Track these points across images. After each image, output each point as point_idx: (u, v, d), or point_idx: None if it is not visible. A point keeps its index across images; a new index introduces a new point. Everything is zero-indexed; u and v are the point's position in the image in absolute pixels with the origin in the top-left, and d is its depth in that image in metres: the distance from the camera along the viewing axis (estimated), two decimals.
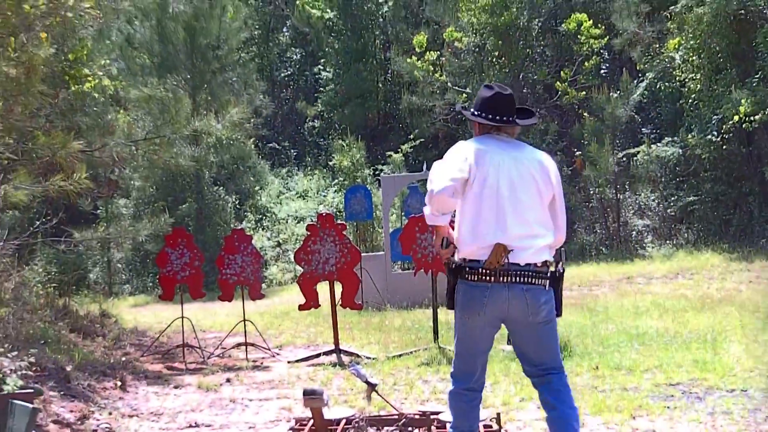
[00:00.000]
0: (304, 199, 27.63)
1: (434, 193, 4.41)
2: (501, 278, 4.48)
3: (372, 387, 6.36)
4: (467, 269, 4.55)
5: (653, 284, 15.71)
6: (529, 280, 4.49)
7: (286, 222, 25.96)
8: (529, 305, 4.49)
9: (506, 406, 6.96)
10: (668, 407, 6.71)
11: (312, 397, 5.75)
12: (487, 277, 4.50)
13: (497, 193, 4.51)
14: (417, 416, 6.29)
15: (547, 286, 4.56)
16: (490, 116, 4.66)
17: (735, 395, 7.06)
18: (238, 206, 25.22)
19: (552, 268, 4.61)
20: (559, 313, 4.68)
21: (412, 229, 9.95)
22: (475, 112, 4.72)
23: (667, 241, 21.25)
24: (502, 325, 4.70)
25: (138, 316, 15.12)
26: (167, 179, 22.96)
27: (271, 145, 30.66)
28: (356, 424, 6.05)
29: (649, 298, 13.48)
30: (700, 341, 9.37)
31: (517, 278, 4.48)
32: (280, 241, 24.65)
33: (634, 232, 22.14)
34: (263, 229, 25.23)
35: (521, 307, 4.49)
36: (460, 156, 4.54)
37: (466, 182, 4.51)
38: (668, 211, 22.07)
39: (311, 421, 6.02)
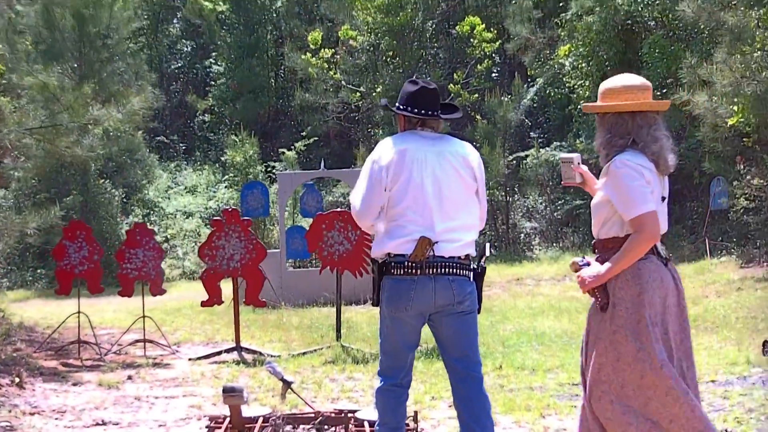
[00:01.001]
0: (193, 194, 27.16)
1: (358, 218, 4.71)
2: (427, 270, 4.52)
3: (287, 385, 6.30)
4: (393, 264, 4.58)
5: (543, 286, 16.07)
6: (455, 271, 4.56)
7: (175, 217, 25.47)
8: (455, 294, 4.54)
9: (418, 404, 6.98)
10: (575, 406, 6.85)
11: (232, 394, 5.65)
12: (413, 271, 4.53)
13: (422, 190, 4.55)
14: (333, 414, 6.27)
15: (471, 278, 4.64)
16: (415, 110, 4.69)
17: None
18: (125, 200, 24.58)
19: (474, 264, 4.69)
20: (478, 309, 4.75)
21: (319, 226, 9.90)
22: (401, 107, 4.75)
23: (554, 244, 21.81)
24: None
25: (20, 311, 14.57)
26: (51, 170, 22.17)
27: (159, 138, 30.02)
28: (273, 422, 5.98)
29: (542, 300, 13.78)
30: None
31: (443, 270, 4.54)
32: (168, 236, 24.17)
33: (522, 234, 22.63)
34: (151, 224, 24.68)
35: (448, 296, 4.54)
36: (381, 171, 4.57)
37: (386, 181, 4.57)
38: (555, 214, 22.64)
39: (227, 419, 5.92)
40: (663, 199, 4.18)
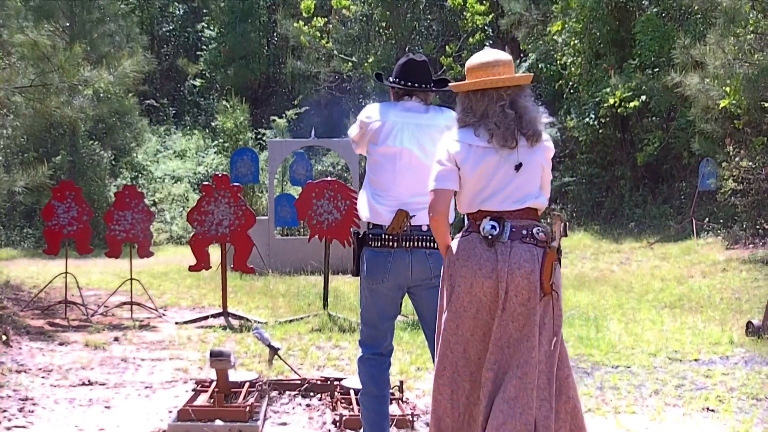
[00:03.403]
0: (181, 158, 27.07)
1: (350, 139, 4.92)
2: (404, 243, 4.57)
3: (274, 351, 6.34)
4: (371, 236, 4.63)
5: None
6: (432, 244, 4.59)
7: (163, 181, 25.41)
8: (432, 268, 4.58)
9: (403, 374, 7.04)
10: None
11: (219, 358, 5.69)
12: (390, 243, 4.58)
13: (399, 159, 4.60)
14: (319, 381, 6.32)
15: None
16: (402, 82, 4.73)
17: (620, 371, 7.34)
18: (113, 162, 24.47)
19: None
20: None
21: (309, 195, 9.89)
22: (390, 79, 4.79)
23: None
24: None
25: (6, 270, 14.57)
26: (40, 130, 22.03)
27: (148, 101, 29.82)
28: (260, 388, 6.02)
29: None
30: (583, 318, 9.70)
31: (420, 243, 4.58)
32: (156, 200, 24.11)
33: None
34: (139, 187, 24.57)
35: (425, 269, 4.58)
36: (368, 116, 4.70)
37: (364, 140, 4.71)
38: None
39: (214, 383, 5.96)
40: (517, 167, 4.08)
